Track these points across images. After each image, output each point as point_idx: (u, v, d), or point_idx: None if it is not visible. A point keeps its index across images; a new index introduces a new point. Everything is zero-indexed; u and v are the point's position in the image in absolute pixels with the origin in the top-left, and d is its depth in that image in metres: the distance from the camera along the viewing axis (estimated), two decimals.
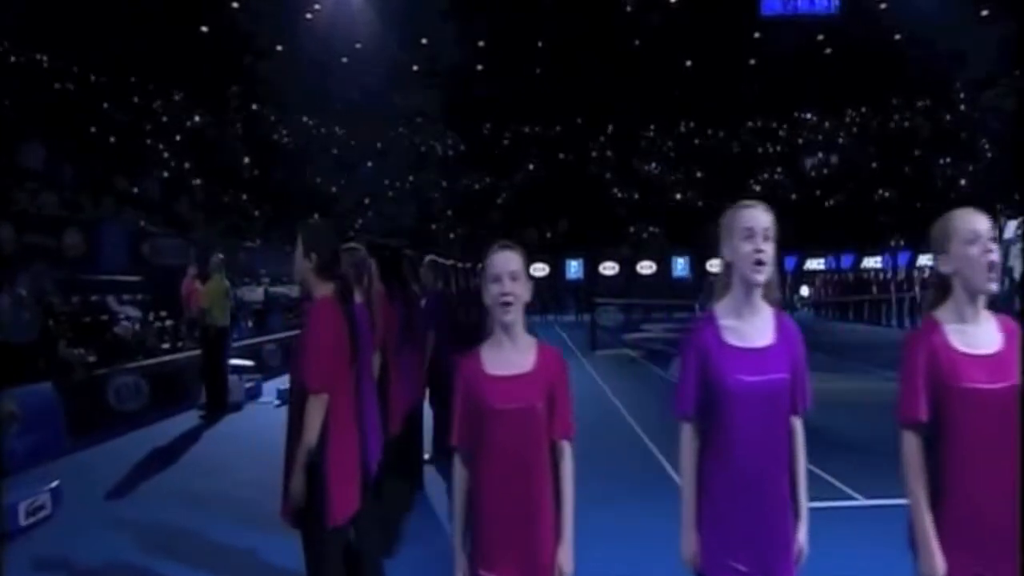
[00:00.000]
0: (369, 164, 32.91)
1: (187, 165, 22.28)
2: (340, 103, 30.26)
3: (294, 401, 2.46)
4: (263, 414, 8.23)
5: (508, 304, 1.85)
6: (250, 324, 12.37)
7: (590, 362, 12.25)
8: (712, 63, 32.83)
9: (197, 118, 26.63)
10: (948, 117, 29.36)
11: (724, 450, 1.82)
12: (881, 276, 19.02)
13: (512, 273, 1.85)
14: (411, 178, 33.94)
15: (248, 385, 8.79)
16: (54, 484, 4.77)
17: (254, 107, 28.55)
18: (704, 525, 1.84)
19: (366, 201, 31.94)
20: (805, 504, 1.89)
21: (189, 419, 7.84)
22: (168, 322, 10.83)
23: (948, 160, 27.27)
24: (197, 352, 9.04)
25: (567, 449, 1.92)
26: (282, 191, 28.08)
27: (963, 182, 26.68)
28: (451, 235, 29.96)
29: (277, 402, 8.71)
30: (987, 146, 26.56)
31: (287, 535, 4.47)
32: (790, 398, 1.85)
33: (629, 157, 35.83)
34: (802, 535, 1.88)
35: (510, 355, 1.89)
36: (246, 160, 27.15)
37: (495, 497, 1.82)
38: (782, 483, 1.84)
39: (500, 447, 1.82)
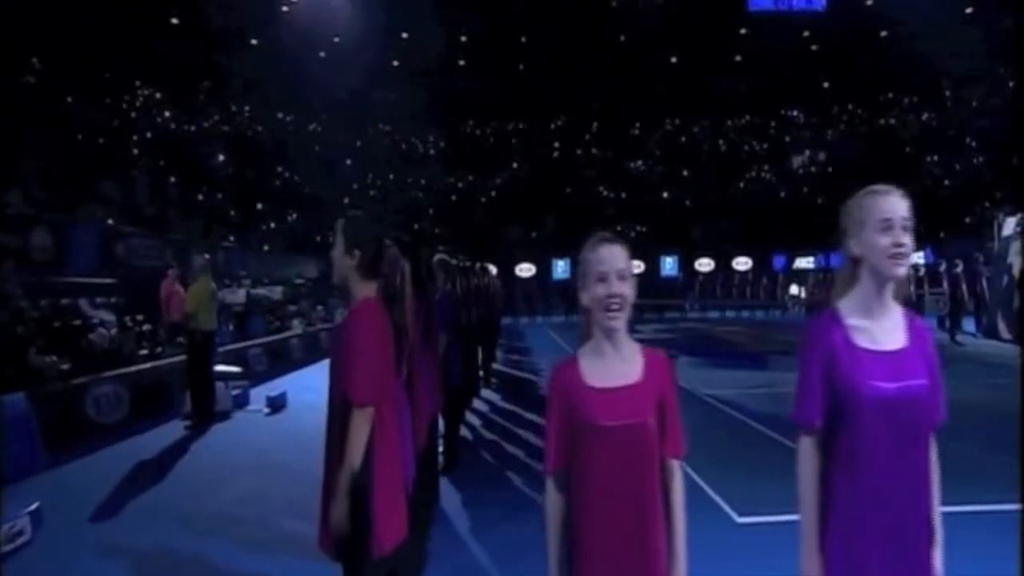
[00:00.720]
0: (348, 162, 32.44)
1: (161, 163, 21.65)
2: (318, 99, 29.78)
3: (335, 416, 2.20)
4: (253, 423, 7.89)
5: (616, 308, 1.65)
6: (231, 327, 11.96)
7: None
8: (698, 59, 32.97)
9: (168, 114, 25.96)
10: (934, 115, 29.80)
11: (853, 463, 1.66)
12: None
13: (620, 272, 1.66)
14: (391, 176, 33.55)
15: (235, 392, 8.44)
16: (33, 506, 4.41)
17: (228, 103, 27.92)
18: (831, 546, 1.68)
19: (346, 200, 31.46)
20: (939, 526, 1.72)
21: (174, 430, 7.47)
22: (146, 326, 10.42)
23: (935, 158, 27.68)
24: (179, 358, 8.66)
25: (679, 469, 1.73)
26: (259, 190, 27.51)
27: (947, 183, 27.10)
28: (435, 233, 29.63)
29: (267, 410, 8.37)
30: (973, 144, 27.03)
31: (295, 557, 4.27)
32: (928, 406, 1.68)
33: (615, 155, 35.84)
34: (938, 562, 1.71)
35: (614, 364, 1.70)
36: (221, 158, 26.53)
37: (601, 526, 1.62)
38: (920, 501, 1.67)
39: (606, 469, 1.63)
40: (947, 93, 29.40)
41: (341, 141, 31.86)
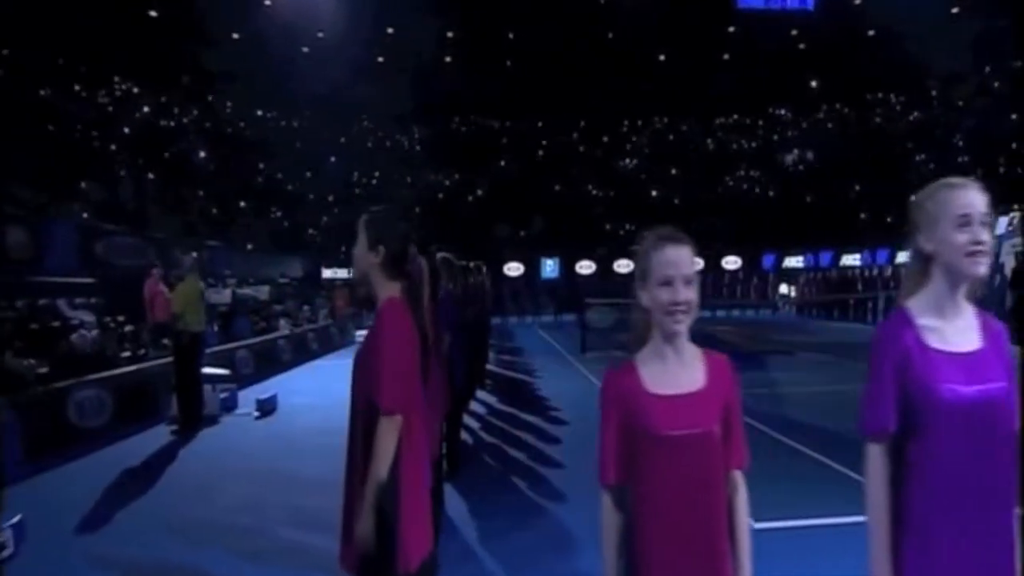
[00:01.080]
0: (333, 159, 32.11)
1: (140, 160, 21.23)
2: (302, 95, 29.43)
3: (358, 422, 2.07)
4: (241, 427, 7.70)
5: (683, 313, 1.56)
6: (215, 328, 11.72)
7: (583, 366, 11.98)
8: (686, 57, 33.07)
9: (147, 109, 25.47)
10: (922, 114, 30.13)
11: (929, 469, 1.58)
12: (866, 273, 19.28)
13: (686, 277, 1.57)
14: (377, 174, 33.27)
15: (223, 395, 8.23)
16: (16, 519, 4.22)
17: (209, 99, 27.46)
18: (906, 554, 1.60)
19: (331, 198, 31.15)
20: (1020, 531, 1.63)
21: (160, 435, 7.26)
22: (128, 328, 10.16)
23: (924, 157, 28.02)
24: (164, 360, 8.44)
25: (742, 480, 1.65)
26: (241, 187, 27.12)
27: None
28: (421, 232, 29.41)
29: (256, 414, 8.18)
30: (961, 142, 27.39)
31: (294, 568, 4.13)
32: (1006, 410, 1.60)
33: (604, 153, 35.83)
34: (1019, 568, 1.62)
35: (676, 369, 1.61)
36: (202, 154, 26.11)
37: (664, 538, 1.54)
38: (999, 506, 1.59)
39: (670, 480, 1.54)
40: (933, 93, 29.74)
41: (325, 138, 31.50)
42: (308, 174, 30.29)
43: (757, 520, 4.20)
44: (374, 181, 32.88)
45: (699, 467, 1.53)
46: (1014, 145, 25.22)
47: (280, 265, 21.48)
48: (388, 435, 1.96)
